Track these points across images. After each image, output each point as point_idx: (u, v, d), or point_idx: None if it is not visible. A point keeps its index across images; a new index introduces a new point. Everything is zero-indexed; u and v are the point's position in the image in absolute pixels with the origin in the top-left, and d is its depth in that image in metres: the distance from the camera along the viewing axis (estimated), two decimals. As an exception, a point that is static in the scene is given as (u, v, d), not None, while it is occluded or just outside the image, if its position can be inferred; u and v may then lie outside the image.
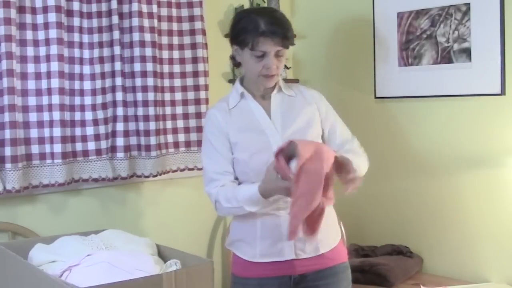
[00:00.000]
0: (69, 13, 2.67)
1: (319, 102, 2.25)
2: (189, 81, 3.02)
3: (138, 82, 2.82)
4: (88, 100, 2.74)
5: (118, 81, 2.78)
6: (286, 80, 2.87)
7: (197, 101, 3.03)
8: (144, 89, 2.83)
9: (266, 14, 2.08)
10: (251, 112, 2.17)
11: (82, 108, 2.73)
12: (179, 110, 3.00)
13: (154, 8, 2.85)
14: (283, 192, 1.96)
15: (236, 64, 2.22)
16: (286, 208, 2.03)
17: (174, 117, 2.99)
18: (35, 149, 2.59)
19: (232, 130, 2.14)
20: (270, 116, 2.16)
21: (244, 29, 2.07)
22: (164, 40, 2.95)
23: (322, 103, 2.26)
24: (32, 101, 2.60)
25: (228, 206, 2.07)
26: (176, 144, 3.01)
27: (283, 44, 2.07)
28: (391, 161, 3.13)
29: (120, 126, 2.80)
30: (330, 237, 2.20)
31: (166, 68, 2.96)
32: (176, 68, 3.00)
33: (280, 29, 2.05)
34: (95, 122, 2.75)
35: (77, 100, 2.72)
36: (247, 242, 2.15)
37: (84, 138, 2.74)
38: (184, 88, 3.02)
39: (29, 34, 2.57)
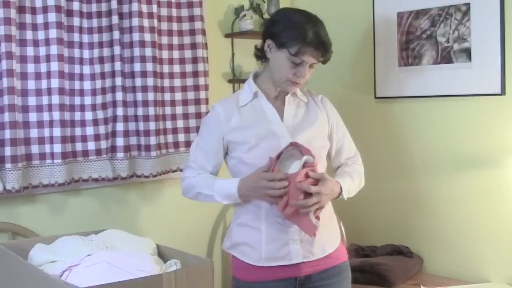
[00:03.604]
0: (69, 13, 2.67)
1: (329, 112, 2.23)
2: (189, 81, 3.02)
3: (138, 82, 2.82)
4: (88, 100, 2.74)
5: (118, 81, 2.78)
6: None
7: (197, 101, 3.03)
8: (144, 89, 2.83)
9: (314, 23, 2.02)
10: (263, 113, 2.13)
11: (82, 108, 2.73)
12: (179, 110, 3.00)
13: (154, 8, 2.85)
14: (263, 188, 1.95)
15: (259, 56, 2.17)
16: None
17: (174, 117, 2.99)
18: (35, 149, 2.59)
19: (239, 129, 2.10)
20: (283, 119, 2.13)
21: (289, 32, 2.01)
22: (164, 40, 2.95)
23: (332, 114, 2.24)
24: (32, 101, 2.59)
25: (198, 191, 2.12)
26: (176, 144, 3.01)
27: (323, 60, 2.07)
28: (391, 161, 3.13)
29: (120, 126, 2.80)
30: (334, 236, 2.21)
31: (166, 68, 2.96)
32: (176, 68, 3.00)
33: (326, 44, 2.03)
34: (95, 122, 2.75)
35: (77, 100, 2.72)
36: (251, 245, 2.11)
37: (84, 138, 2.73)
38: (184, 88, 3.02)
39: (29, 34, 2.57)
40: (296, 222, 2.02)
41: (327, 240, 2.15)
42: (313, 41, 2.00)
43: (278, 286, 2.10)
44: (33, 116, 2.59)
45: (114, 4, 2.75)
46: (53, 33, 2.58)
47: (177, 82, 3.00)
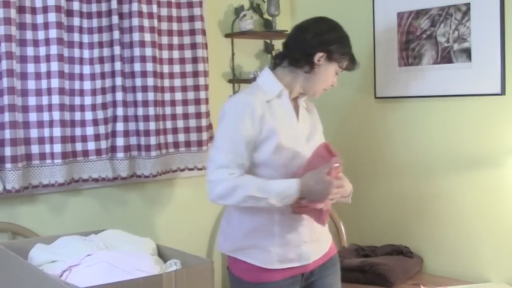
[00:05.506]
0: (69, 13, 2.67)
1: (317, 116, 2.33)
2: (189, 81, 3.02)
3: (138, 82, 2.82)
4: (88, 100, 2.74)
5: (118, 81, 2.78)
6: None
7: (197, 101, 3.03)
8: (144, 89, 2.83)
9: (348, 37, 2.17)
10: (285, 113, 2.13)
11: (82, 108, 2.74)
12: (179, 110, 3.00)
13: (154, 8, 2.85)
14: (326, 189, 1.96)
15: (278, 63, 2.17)
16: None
17: (174, 117, 2.99)
18: (35, 149, 2.59)
19: (270, 126, 2.06)
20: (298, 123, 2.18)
21: (341, 47, 2.11)
22: (164, 40, 2.95)
23: (318, 117, 2.34)
24: (32, 101, 2.60)
25: (248, 194, 1.97)
26: (176, 144, 3.01)
27: None
28: (391, 161, 3.13)
29: (120, 126, 2.80)
30: (327, 230, 2.30)
31: (166, 68, 2.96)
32: (176, 68, 3.00)
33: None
34: (95, 122, 2.75)
35: (77, 100, 2.73)
36: (263, 248, 2.11)
37: (84, 138, 2.74)
38: (184, 88, 3.02)
39: (29, 34, 2.58)
40: (307, 213, 2.09)
41: (327, 235, 2.27)
42: (352, 55, 2.16)
43: (287, 284, 2.14)
44: (33, 116, 2.59)
45: (114, 4, 2.75)
46: (53, 33, 2.58)
47: (177, 82, 3.00)
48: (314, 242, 2.17)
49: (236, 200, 2.01)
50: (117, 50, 2.77)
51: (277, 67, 2.18)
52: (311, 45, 2.09)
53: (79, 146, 2.73)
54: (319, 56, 2.09)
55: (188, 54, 3.02)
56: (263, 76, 2.19)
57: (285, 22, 3.46)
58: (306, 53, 2.09)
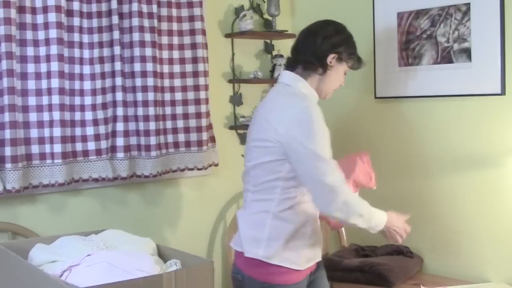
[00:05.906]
0: (69, 13, 2.67)
1: None
2: (189, 81, 3.03)
3: (138, 82, 2.83)
4: (88, 100, 2.74)
5: (118, 81, 2.79)
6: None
7: (197, 101, 3.03)
8: (144, 89, 2.83)
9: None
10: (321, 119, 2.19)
11: (82, 108, 2.74)
12: (179, 110, 3.00)
13: (154, 8, 2.85)
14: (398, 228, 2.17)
15: (292, 67, 2.21)
16: None
17: (174, 117, 2.99)
18: (35, 149, 2.59)
19: (327, 132, 2.15)
20: None
21: (349, 47, 2.21)
22: (164, 40, 2.95)
23: None
24: (32, 101, 2.60)
25: (359, 212, 2.09)
26: (176, 144, 3.01)
27: None
28: (390, 161, 3.13)
29: (120, 126, 2.80)
30: None
31: (166, 68, 2.96)
32: (176, 68, 3.00)
33: None
34: (95, 122, 2.75)
35: (77, 100, 2.73)
36: (297, 250, 2.15)
37: (84, 138, 2.74)
38: (184, 88, 3.02)
39: (29, 34, 2.58)
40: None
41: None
42: (358, 55, 2.26)
43: (304, 284, 2.21)
44: (33, 116, 2.60)
45: (114, 4, 2.75)
46: (53, 33, 2.58)
47: (177, 82, 3.00)
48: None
49: (348, 217, 2.08)
50: (117, 50, 2.77)
51: (293, 72, 2.22)
52: (322, 48, 2.17)
53: (79, 146, 2.73)
54: (331, 58, 2.17)
55: (188, 54, 3.02)
56: (295, 81, 2.20)
57: (285, 22, 3.46)
58: (319, 57, 2.17)
